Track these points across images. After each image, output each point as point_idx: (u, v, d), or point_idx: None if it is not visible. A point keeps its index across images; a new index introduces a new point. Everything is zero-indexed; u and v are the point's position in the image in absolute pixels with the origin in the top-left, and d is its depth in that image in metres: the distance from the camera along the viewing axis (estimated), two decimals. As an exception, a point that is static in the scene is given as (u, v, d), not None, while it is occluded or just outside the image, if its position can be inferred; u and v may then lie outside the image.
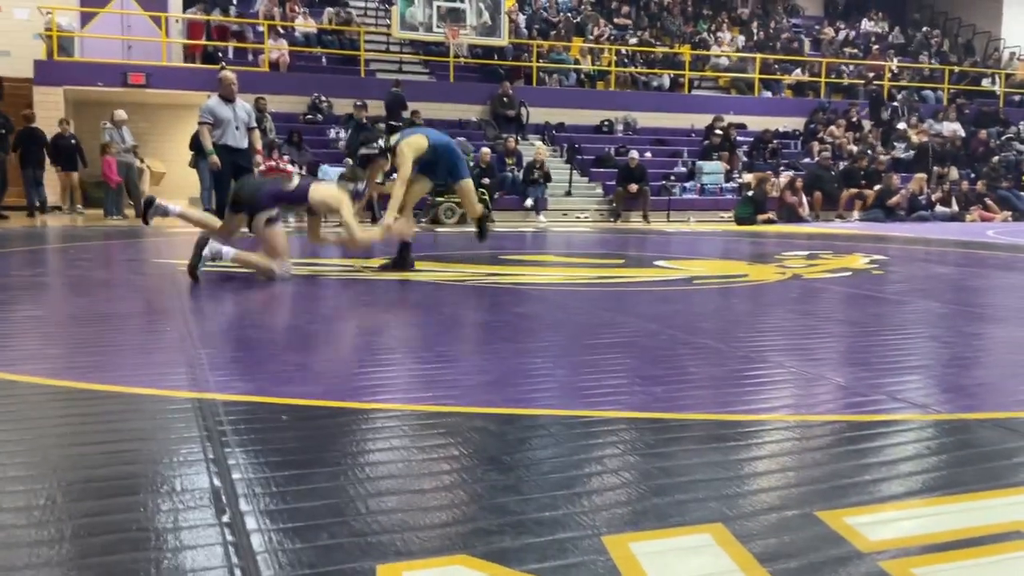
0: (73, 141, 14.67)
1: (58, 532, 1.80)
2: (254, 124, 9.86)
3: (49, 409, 2.83)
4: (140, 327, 4.49)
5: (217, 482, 2.10)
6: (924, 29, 25.57)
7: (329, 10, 19.07)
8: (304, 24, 18.52)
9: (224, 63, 15.80)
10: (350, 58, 18.32)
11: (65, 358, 3.66)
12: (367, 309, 5.46)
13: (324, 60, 18.54)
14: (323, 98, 17.09)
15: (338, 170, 15.31)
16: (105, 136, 14.44)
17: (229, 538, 1.78)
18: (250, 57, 17.72)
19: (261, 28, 17.78)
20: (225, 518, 1.88)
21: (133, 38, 17.14)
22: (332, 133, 16.60)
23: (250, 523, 1.85)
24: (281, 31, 18.05)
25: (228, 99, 9.40)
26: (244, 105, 9.61)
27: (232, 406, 2.77)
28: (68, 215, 14.35)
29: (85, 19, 17.03)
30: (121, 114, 14.67)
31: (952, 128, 20.78)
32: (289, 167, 13.23)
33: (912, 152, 19.52)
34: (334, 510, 1.93)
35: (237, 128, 9.63)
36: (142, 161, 17.57)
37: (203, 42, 17.48)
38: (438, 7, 18.09)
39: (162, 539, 1.77)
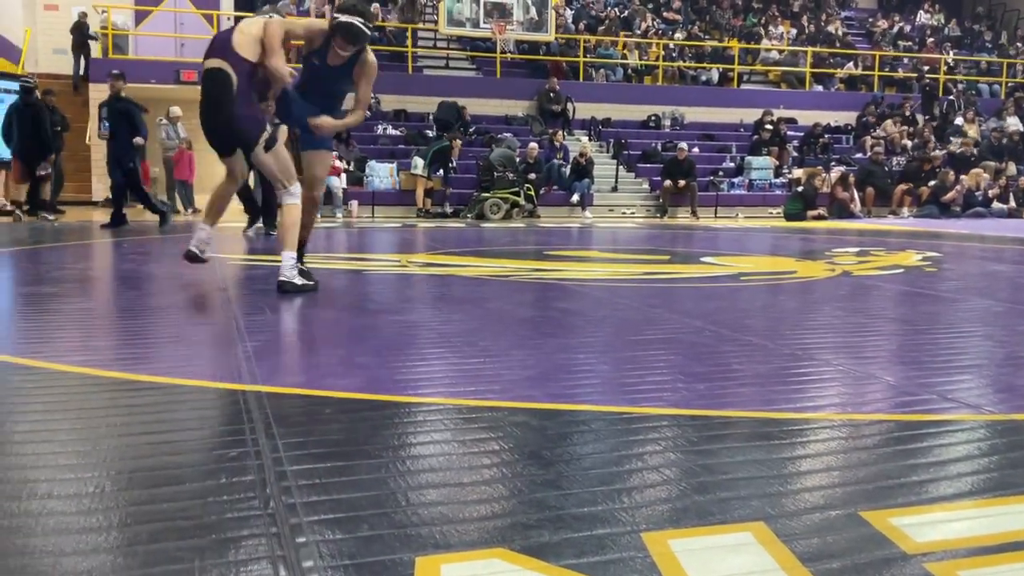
0: None
1: (106, 520, 1.84)
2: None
3: (98, 400, 2.89)
4: (187, 320, 4.56)
5: (261, 473, 2.12)
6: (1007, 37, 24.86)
7: (375, 4, 19.15)
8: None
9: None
10: (397, 54, 18.41)
11: (114, 350, 3.74)
12: (410, 303, 5.49)
13: (371, 56, 18.64)
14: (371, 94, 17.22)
15: (386, 166, 15.46)
16: (161, 132, 14.72)
17: (272, 529, 1.80)
18: (300, 54, 17.88)
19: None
20: (268, 509, 1.90)
21: (186, 36, 17.42)
22: (379, 129, 16.71)
23: (293, 514, 1.87)
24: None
25: None
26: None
27: (277, 398, 2.81)
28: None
29: (139, 17, 17.35)
30: (176, 111, 14.97)
31: (1012, 123, 20.26)
32: (336, 163, 13.36)
33: (968, 148, 19.08)
34: (375, 502, 1.94)
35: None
36: None
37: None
38: (485, 3, 18.11)
39: (207, 528, 1.80)
